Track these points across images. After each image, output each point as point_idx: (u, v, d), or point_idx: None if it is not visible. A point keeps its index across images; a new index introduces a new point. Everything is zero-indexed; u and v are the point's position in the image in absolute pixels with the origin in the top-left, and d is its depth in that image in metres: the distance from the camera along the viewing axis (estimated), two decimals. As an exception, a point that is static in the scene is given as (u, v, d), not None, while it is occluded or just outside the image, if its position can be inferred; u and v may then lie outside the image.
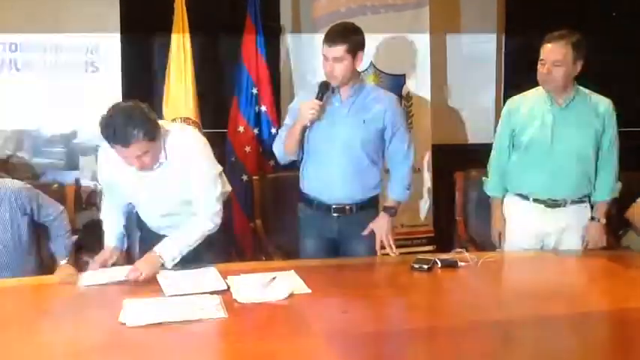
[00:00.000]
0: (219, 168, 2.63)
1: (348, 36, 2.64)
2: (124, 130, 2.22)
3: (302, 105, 2.69)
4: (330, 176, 2.76)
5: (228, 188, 2.78)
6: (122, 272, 2.36)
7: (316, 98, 2.66)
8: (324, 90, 2.68)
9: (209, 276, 2.38)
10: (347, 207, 2.79)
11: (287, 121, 2.87)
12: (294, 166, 3.04)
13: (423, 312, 2.24)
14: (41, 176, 3.64)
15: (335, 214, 2.80)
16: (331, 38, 2.64)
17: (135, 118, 2.24)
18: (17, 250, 2.57)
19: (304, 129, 2.71)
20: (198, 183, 2.49)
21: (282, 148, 2.84)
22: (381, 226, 2.80)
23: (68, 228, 2.72)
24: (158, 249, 2.42)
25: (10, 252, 2.55)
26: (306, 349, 1.86)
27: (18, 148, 3.59)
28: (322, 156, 2.76)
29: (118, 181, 2.52)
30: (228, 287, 2.26)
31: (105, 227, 2.65)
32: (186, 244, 2.46)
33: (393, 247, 2.80)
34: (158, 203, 2.55)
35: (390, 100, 2.80)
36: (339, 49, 2.61)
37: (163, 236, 2.52)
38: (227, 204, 2.72)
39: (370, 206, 2.84)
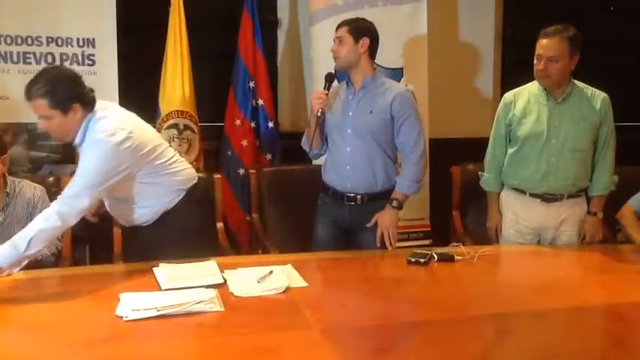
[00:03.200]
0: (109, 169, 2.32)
1: (354, 20, 2.85)
2: (30, 84, 2.23)
3: (312, 96, 2.86)
4: (341, 165, 2.85)
5: (195, 181, 2.65)
6: (197, 271, 2.32)
7: (323, 89, 2.83)
8: (330, 80, 2.85)
9: (206, 269, 2.37)
10: (359, 196, 2.84)
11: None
12: (291, 160, 3.04)
13: (419, 305, 2.24)
14: (38, 169, 3.63)
15: (348, 203, 2.84)
16: (339, 22, 2.84)
17: (47, 78, 2.23)
18: None
19: (317, 120, 2.83)
20: (81, 164, 2.32)
21: (306, 141, 2.97)
22: (384, 219, 2.82)
23: (53, 251, 2.62)
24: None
25: None
26: (303, 343, 1.86)
27: (15, 141, 3.58)
28: (335, 145, 2.87)
29: None
30: (225, 281, 2.26)
31: None
32: (24, 244, 2.20)
33: (393, 241, 2.81)
34: None
35: (399, 91, 2.84)
36: (342, 29, 2.79)
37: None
38: (191, 198, 2.62)
39: (383, 198, 2.85)
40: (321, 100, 2.80)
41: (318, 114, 2.81)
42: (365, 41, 2.78)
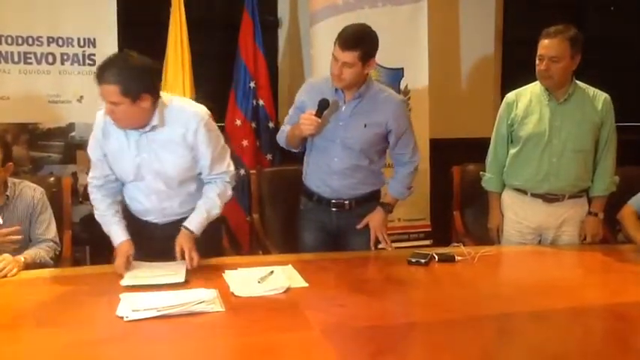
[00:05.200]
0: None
1: (363, 42, 2.54)
2: (103, 68, 2.21)
3: (301, 117, 2.64)
4: (329, 173, 2.76)
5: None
6: (163, 270, 2.35)
7: (315, 115, 2.59)
8: (324, 107, 2.60)
9: (172, 269, 2.36)
10: (346, 202, 2.80)
11: (291, 112, 2.87)
12: (291, 160, 3.03)
13: (420, 306, 2.25)
14: (38, 169, 3.64)
15: (334, 209, 2.81)
16: (345, 42, 2.52)
17: (121, 65, 2.22)
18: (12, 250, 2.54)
19: (302, 138, 2.73)
20: (209, 146, 2.46)
21: (285, 143, 2.87)
22: (375, 220, 2.81)
23: (51, 255, 2.60)
24: (188, 224, 2.46)
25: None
26: (304, 343, 1.86)
27: (16, 142, 3.58)
28: (323, 153, 2.76)
29: (116, 148, 2.43)
30: (187, 281, 2.26)
31: (109, 223, 2.48)
32: (212, 211, 2.51)
33: (388, 241, 2.81)
34: (153, 176, 2.46)
35: (394, 106, 2.72)
36: (351, 55, 2.51)
37: (152, 227, 2.54)
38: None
39: (370, 201, 2.84)
40: (312, 128, 2.59)
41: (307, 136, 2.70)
42: (371, 62, 2.59)
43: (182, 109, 2.43)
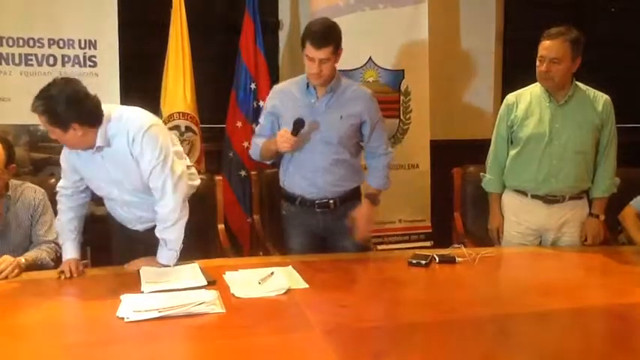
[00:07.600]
0: (174, 149, 2.51)
1: (333, 36, 2.61)
2: (35, 98, 2.23)
3: (278, 134, 2.66)
4: (311, 172, 2.76)
5: (197, 182, 2.74)
6: (178, 273, 2.36)
7: (291, 134, 2.61)
8: (300, 126, 2.62)
9: (190, 272, 2.37)
10: (330, 202, 2.79)
11: (262, 120, 2.86)
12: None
13: (420, 307, 2.24)
14: (39, 170, 3.64)
15: (319, 210, 2.80)
16: (318, 40, 2.57)
17: (48, 96, 2.21)
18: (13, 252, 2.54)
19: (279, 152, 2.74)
20: (147, 166, 2.40)
21: (259, 156, 2.87)
22: (362, 213, 2.79)
23: (52, 256, 2.59)
24: (159, 259, 2.45)
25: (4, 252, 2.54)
26: (304, 344, 1.86)
27: (17, 143, 3.58)
28: (302, 154, 2.75)
29: (81, 164, 2.47)
30: (209, 283, 2.26)
31: (65, 238, 2.51)
32: (175, 240, 2.44)
33: (367, 233, 2.82)
34: (118, 189, 2.49)
35: (366, 96, 2.78)
36: (327, 51, 2.58)
37: (135, 233, 2.58)
38: (193, 199, 2.62)
39: (353, 198, 2.84)
40: (288, 145, 2.61)
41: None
42: (340, 52, 2.65)
43: (121, 119, 2.38)
